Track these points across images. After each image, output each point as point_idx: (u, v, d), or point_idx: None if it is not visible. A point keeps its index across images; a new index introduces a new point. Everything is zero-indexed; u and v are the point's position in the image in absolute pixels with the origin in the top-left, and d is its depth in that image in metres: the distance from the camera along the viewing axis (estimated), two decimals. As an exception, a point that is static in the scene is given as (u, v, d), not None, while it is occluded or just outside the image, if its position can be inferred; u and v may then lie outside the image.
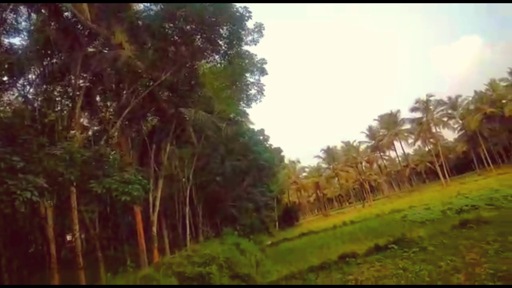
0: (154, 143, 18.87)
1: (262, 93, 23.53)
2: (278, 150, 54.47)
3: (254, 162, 32.58)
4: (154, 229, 16.86)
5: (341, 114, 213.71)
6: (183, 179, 23.01)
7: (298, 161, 78.92)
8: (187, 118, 18.00)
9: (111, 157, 11.79)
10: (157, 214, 17.39)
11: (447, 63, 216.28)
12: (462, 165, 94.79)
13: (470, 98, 66.02)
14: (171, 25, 16.18)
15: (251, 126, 34.79)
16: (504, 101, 60.66)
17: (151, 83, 16.46)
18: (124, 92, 16.60)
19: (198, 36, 17.03)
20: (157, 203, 17.27)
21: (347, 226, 25.47)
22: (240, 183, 32.16)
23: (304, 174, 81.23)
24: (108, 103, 19.07)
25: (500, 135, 67.84)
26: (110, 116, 17.99)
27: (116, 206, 17.39)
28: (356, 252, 10.91)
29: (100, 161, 10.33)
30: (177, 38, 16.55)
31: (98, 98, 18.50)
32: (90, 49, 15.27)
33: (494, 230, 8.99)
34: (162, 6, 15.59)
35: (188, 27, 16.24)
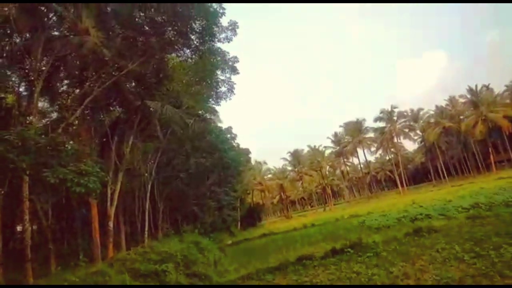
0: (117, 135, 18.23)
1: (233, 92, 23.35)
2: (245, 150, 54.57)
3: (220, 160, 32.40)
4: (111, 223, 16.27)
5: (310, 118, 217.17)
6: (145, 174, 22.43)
7: (265, 162, 79.43)
8: (153, 111, 17.55)
9: (68, 146, 11.24)
10: (115, 208, 16.79)
11: (413, 76, 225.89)
12: (419, 175, 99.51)
13: (431, 112, 69.62)
14: (142, 14, 15.71)
15: (220, 124, 34.54)
16: (461, 117, 64.45)
17: (117, 73, 15.89)
18: (88, 79, 15.90)
19: (170, 28, 16.64)
20: (116, 197, 16.68)
21: (308, 228, 25.88)
22: (204, 181, 31.86)
23: (270, 175, 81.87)
24: (70, 90, 18.19)
25: (456, 148, 71.94)
26: (72, 104, 17.18)
27: (72, 198, 16.68)
28: (314, 255, 11.10)
29: (55, 150, 9.79)
30: (147, 28, 16.09)
31: (59, 84, 17.59)
32: (54, 33, 14.52)
33: (443, 239, 9.43)
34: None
35: (159, 18, 15.80)
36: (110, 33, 14.87)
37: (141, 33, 15.91)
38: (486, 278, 5.69)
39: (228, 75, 22.64)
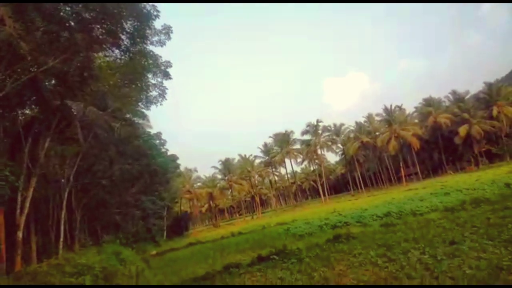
0: (31, 136, 16.48)
1: (164, 96, 22.63)
2: (174, 157, 53.23)
3: (147, 167, 31.13)
4: (20, 233, 14.58)
5: (243, 128, 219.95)
6: (62, 180, 20.63)
7: (195, 170, 78.34)
8: (75, 113, 16.32)
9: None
10: (25, 217, 15.12)
11: (337, 93, 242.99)
12: (340, 185, 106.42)
13: (352, 128, 75.42)
14: (68, 8, 14.63)
15: (149, 130, 33.27)
16: (377, 133, 70.72)
17: (35, 69, 14.49)
18: (0, 74, 14.25)
19: (98, 26, 15.71)
20: (27, 204, 15.02)
21: (235, 237, 25.97)
22: (129, 189, 30.25)
23: (199, 183, 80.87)
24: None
25: (372, 162, 78.73)
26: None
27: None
28: (241, 263, 11.18)
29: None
30: (73, 23, 14.98)
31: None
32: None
33: (360, 245, 10.16)
34: (59, -14, 13.98)
35: (87, 14, 14.86)
36: (30, 24, 13.54)
37: (65, 28, 14.70)
38: (396, 280, 6.24)
39: (159, 80, 21.96)
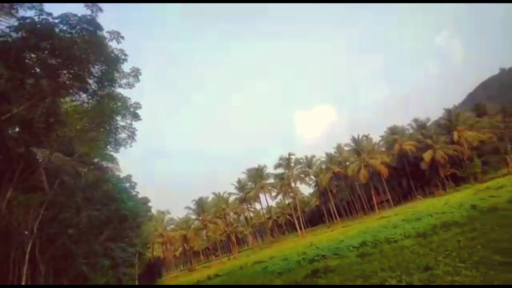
0: (-9, 187, 15.68)
1: (133, 138, 22.21)
2: (145, 200, 51.56)
3: (116, 212, 29.95)
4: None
5: (213, 166, 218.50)
6: (26, 232, 19.40)
7: (168, 212, 76.06)
8: (40, 160, 15.74)
9: None
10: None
11: (307, 126, 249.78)
12: (315, 217, 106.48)
13: (323, 159, 76.96)
14: (33, 55, 14.50)
15: (118, 173, 32.39)
16: (347, 163, 72.44)
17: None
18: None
19: (65, 72, 15.60)
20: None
21: (212, 280, 25.08)
22: (98, 236, 28.80)
23: (172, 226, 78.41)
24: None
25: (344, 191, 79.94)
26: None
27: None
28: (219, 307, 10.81)
29: None
30: (38, 70, 14.82)
31: None
32: None
33: (337, 277, 10.12)
34: (24, 34, 13.90)
35: (53, 60, 14.78)
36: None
37: (30, 75, 14.51)
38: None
39: (129, 121, 21.68)
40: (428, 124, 71.30)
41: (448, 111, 67.58)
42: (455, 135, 61.70)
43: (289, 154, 72.97)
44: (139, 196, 47.70)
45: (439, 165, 63.08)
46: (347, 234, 26.34)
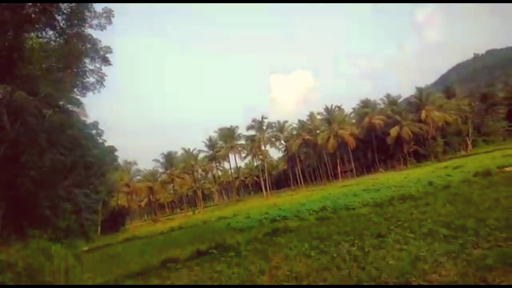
0: None
1: (102, 84, 21.22)
2: (112, 149, 50.63)
3: (81, 158, 29.32)
4: None
5: (189, 121, 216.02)
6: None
7: (135, 163, 75.28)
8: (0, 97, 14.86)
9: None
10: None
11: (283, 90, 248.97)
12: (281, 181, 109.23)
13: (294, 125, 77.79)
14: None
15: (84, 118, 31.29)
16: (318, 131, 73.70)
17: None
18: None
19: (30, 4, 14.42)
20: None
21: (175, 231, 25.54)
22: (61, 181, 28.23)
23: (139, 177, 78.02)
24: None
25: (312, 158, 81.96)
26: None
27: None
28: (178, 258, 11.05)
29: None
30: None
31: None
32: None
33: (296, 238, 10.57)
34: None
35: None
36: None
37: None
38: (326, 271, 6.58)
39: (98, 65, 20.61)
40: (399, 100, 73.13)
41: (420, 90, 69.29)
42: (423, 114, 63.79)
43: (262, 117, 73.17)
44: (106, 144, 46.80)
45: (403, 141, 65.60)
46: (310, 198, 27.24)
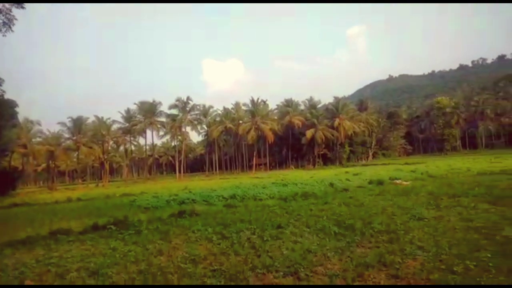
0: None
1: (10, 27, 18.35)
2: (12, 103, 44.76)
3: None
4: None
5: (110, 88, 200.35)
6: None
7: (38, 123, 67.53)
8: None
9: None
10: None
11: (214, 75, 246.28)
12: (197, 165, 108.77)
13: (219, 112, 77.85)
14: None
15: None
16: (241, 121, 74.78)
17: None
18: None
19: None
20: None
21: (72, 202, 23.69)
22: None
23: (39, 139, 70.30)
24: None
25: (230, 147, 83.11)
26: None
27: None
28: (71, 230, 10.33)
29: None
30: None
31: None
32: None
33: (201, 221, 10.65)
34: None
35: None
36: None
37: None
38: (224, 256, 6.80)
39: (8, 5, 17.78)
40: (319, 106, 78.28)
41: (337, 100, 75.21)
42: (337, 121, 69.36)
43: (187, 98, 71.59)
44: (5, 96, 41.15)
45: (316, 144, 70.40)
46: (222, 185, 27.59)
